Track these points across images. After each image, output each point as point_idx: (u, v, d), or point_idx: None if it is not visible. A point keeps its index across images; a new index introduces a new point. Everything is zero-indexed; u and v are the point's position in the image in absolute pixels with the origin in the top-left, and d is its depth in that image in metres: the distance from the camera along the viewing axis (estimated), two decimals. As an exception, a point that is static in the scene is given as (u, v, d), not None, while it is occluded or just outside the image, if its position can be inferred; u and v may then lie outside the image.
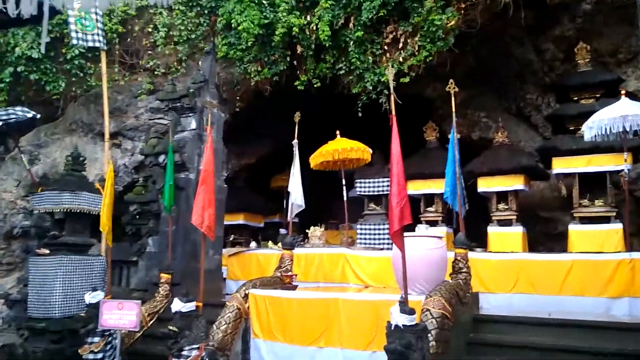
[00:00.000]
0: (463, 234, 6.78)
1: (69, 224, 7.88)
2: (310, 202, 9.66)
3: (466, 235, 6.81)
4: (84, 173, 8.36)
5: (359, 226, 11.29)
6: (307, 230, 10.30)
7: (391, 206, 5.15)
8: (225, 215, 9.98)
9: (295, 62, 9.93)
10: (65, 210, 7.62)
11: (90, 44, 9.25)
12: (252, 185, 13.97)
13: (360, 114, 9.72)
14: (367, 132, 11.04)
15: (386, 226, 10.84)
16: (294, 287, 7.26)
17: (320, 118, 12.20)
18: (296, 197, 9.05)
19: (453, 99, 7.84)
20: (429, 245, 6.31)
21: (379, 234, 11.02)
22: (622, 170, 8.10)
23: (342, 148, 9.78)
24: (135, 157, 10.44)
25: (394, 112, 5.40)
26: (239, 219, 12.79)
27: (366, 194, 11.41)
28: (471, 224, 8.04)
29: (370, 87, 9.55)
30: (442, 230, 10.22)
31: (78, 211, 7.70)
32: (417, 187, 10.69)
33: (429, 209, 10.76)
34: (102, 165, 9.98)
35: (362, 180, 11.44)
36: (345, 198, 10.05)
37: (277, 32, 9.52)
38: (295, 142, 9.33)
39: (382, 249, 10.18)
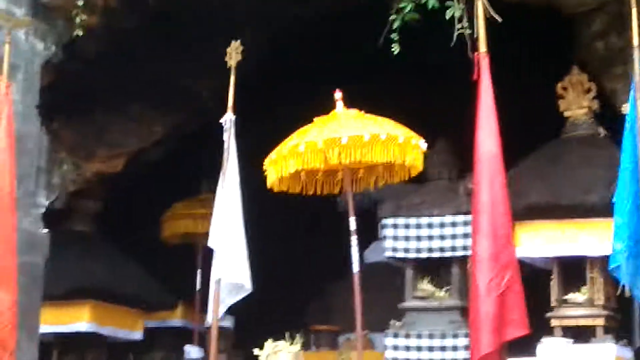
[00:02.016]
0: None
1: None
2: (265, 277, 9.90)
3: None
4: None
5: (389, 340, 11.50)
6: (254, 352, 10.27)
7: (475, 289, 5.44)
8: (45, 309, 10.18)
9: None
10: None
11: None
12: (114, 230, 14.26)
13: (396, 50, 10.00)
14: (413, 98, 11.26)
15: (461, 341, 10.98)
16: None
17: (290, 58, 12.36)
18: (229, 264, 9.37)
19: (635, 13, 7.76)
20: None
21: (442, 360, 11.14)
22: None
23: (350, 136, 9.58)
24: None
25: (483, 47, 5.66)
26: (81, 319, 13.10)
27: (410, 256, 11.72)
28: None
29: (421, -18, 9.85)
30: (608, 351, 10.30)
31: None
32: (540, 240, 10.90)
33: (571, 296, 10.89)
34: None
35: (400, 221, 11.71)
36: (356, 268, 9.73)
37: None
38: (227, 119, 9.62)
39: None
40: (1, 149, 7.81)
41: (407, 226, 11.72)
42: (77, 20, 10.69)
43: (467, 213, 10.70)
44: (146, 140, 13.60)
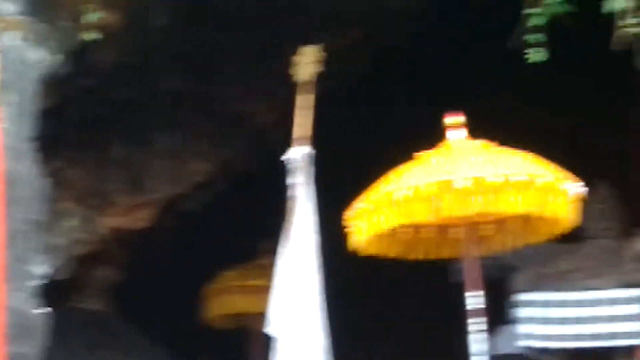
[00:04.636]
0: None
1: None
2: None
3: None
4: None
5: None
6: None
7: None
8: None
9: None
10: None
11: None
12: (139, 309, 14.24)
13: (533, 57, 9.40)
14: (558, 125, 11.32)
15: None
16: None
17: (383, 71, 12.42)
18: (297, 358, 8.78)
19: None
20: None
21: None
22: None
23: (470, 178, 8.77)
24: None
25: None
26: None
27: (552, 345, 11.25)
28: None
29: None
30: None
31: None
32: None
33: None
34: None
35: (538, 297, 11.24)
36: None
37: None
38: (293, 155, 9.18)
39: None
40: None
41: (546, 304, 11.19)
42: (91, 19, 10.07)
43: (635, 285, 10.75)
44: (183, 184, 12.94)
